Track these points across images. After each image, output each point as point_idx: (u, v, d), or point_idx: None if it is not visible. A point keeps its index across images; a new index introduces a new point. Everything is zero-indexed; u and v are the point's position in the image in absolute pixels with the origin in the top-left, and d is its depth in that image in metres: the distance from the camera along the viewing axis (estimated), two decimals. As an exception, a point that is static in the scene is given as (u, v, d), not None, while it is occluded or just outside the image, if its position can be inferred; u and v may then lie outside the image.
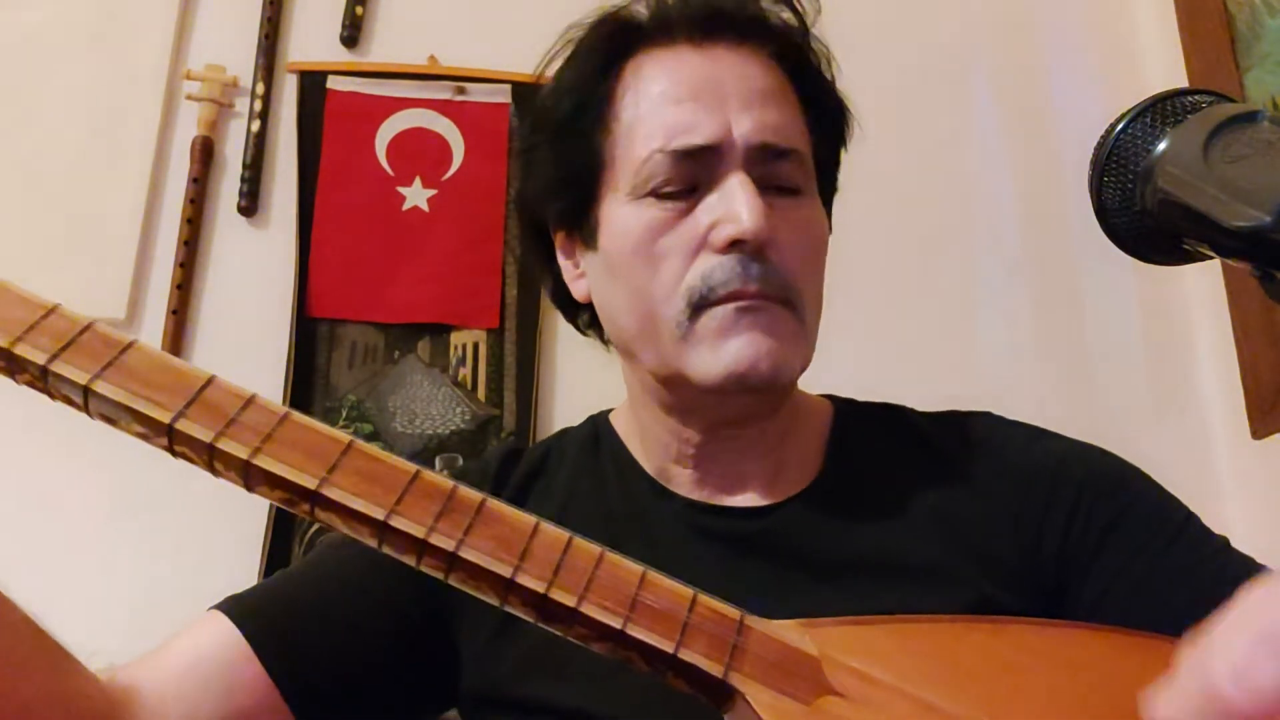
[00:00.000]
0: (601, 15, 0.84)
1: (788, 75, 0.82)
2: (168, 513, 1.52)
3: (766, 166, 0.76)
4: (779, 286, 0.75)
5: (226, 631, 0.73)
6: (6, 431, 1.49)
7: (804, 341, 0.78)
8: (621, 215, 0.77)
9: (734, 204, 0.74)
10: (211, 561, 1.50)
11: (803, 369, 0.79)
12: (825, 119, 0.85)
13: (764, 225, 0.73)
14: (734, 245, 0.74)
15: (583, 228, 0.81)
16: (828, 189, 0.87)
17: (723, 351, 0.74)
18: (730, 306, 0.74)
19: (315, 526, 1.54)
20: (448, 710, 0.84)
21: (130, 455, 1.47)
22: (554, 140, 0.82)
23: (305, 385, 1.60)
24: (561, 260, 0.86)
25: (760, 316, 0.74)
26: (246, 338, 1.61)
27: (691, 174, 0.76)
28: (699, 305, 0.74)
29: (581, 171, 0.80)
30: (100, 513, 1.52)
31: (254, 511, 1.52)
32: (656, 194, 0.76)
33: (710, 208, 0.75)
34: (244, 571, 1.48)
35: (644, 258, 0.76)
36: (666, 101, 0.77)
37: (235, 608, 0.75)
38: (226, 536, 1.51)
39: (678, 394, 0.79)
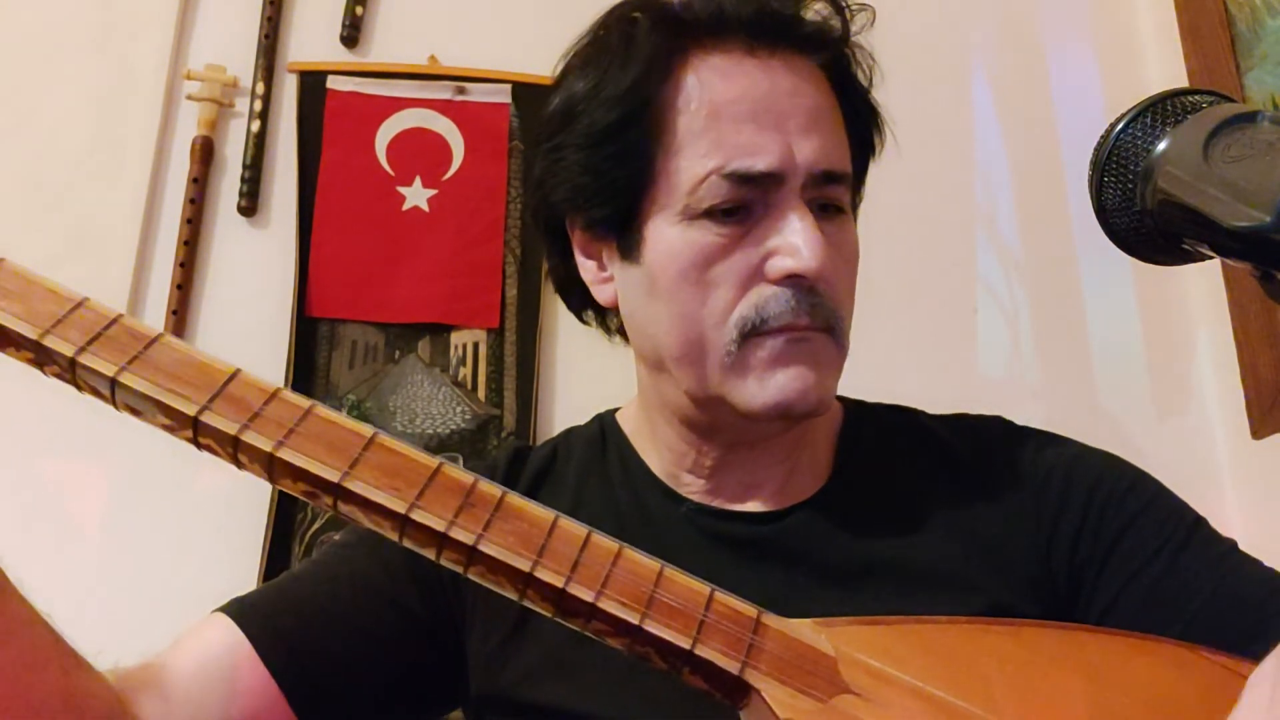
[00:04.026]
0: (645, 6, 0.79)
1: (834, 86, 0.80)
2: (168, 513, 1.52)
3: (820, 190, 0.76)
4: (826, 316, 0.75)
5: (230, 634, 0.73)
6: (8, 431, 1.49)
7: (841, 365, 0.78)
8: (671, 235, 0.75)
9: (794, 237, 0.73)
10: (211, 562, 1.50)
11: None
12: (864, 131, 0.84)
13: (825, 262, 0.73)
14: (790, 277, 0.73)
15: (620, 239, 0.79)
16: (856, 199, 0.86)
17: (770, 383, 0.74)
18: (781, 338, 0.74)
19: (315, 527, 1.54)
20: (451, 711, 0.84)
21: (131, 455, 1.48)
22: (592, 147, 0.77)
23: (305, 385, 1.59)
24: (581, 259, 0.84)
25: (808, 348, 0.75)
26: (246, 338, 1.61)
27: (748, 198, 0.74)
28: (749, 334, 0.74)
29: (625, 184, 0.77)
30: (101, 513, 1.52)
31: (254, 512, 1.51)
32: (710, 216, 0.74)
33: (768, 237, 0.74)
34: (244, 572, 1.48)
35: (694, 283, 0.75)
36: (725, 119, 0.74)
37: (239, 610, 0.75)
38: (226, 537, 1.51)
39: (710, 414, 0.79)
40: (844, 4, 0.80)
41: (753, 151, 0.73)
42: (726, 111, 0.75)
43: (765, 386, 0.74)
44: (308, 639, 0.74)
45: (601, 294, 0.83)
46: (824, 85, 0.79)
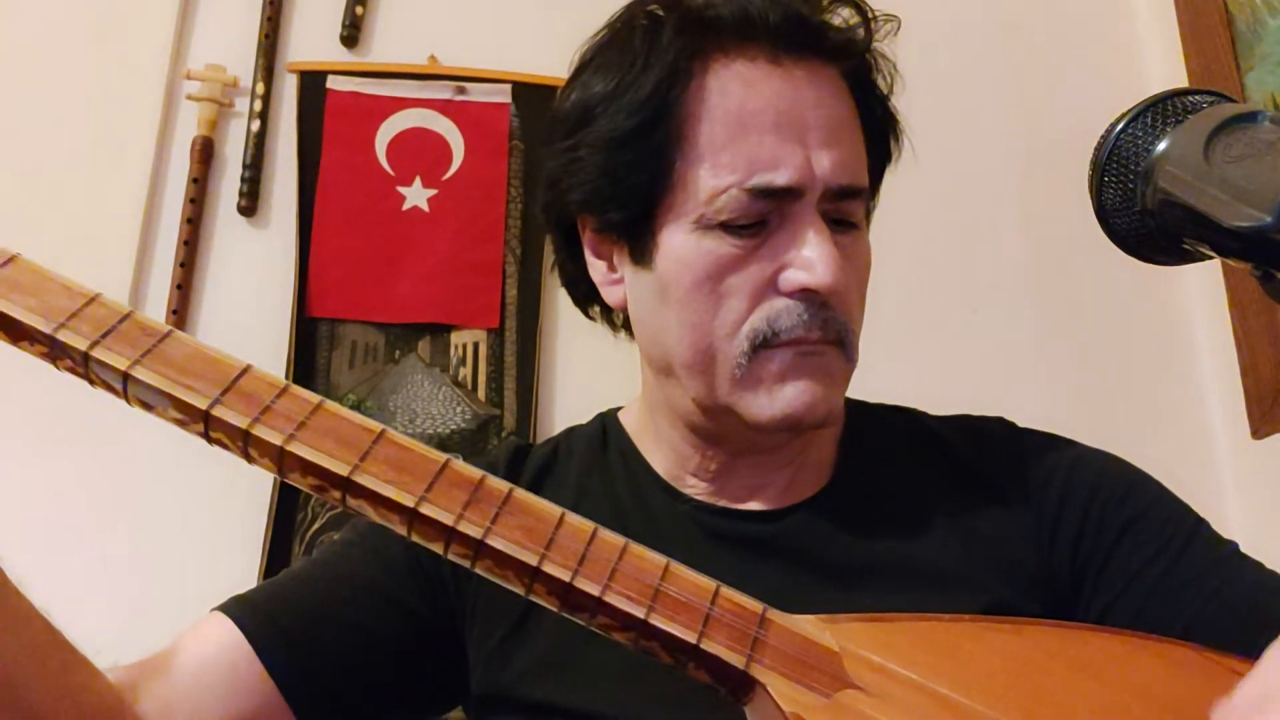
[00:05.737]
0: (668, 4, 0.77)
1: (853, 94, 0.79)
2: (168, 512, 1.52)
3: (836, 204, 0.76)
4: (837, 329, 0.75)
5: (229, 633, 0.73)
6: (7, 431, 1.49)
7: (849, 376, 0.79)
8: (685, 244, 0.75)
9: (810, 252, 0.73)
10: (212, 561, 1.50)
11: None
12: (882, 139, 0.83)
13: (839, 277, 0.73)
14: (803, 291, 0.73)
15: (633, 242, 0.79)
16: (870, 206, 0.86)
17: (779, 396, 0.74)
18: (791, 351, 0.74)
19: (315, 527, 1.54)
20: (451, 710, 0.84)
21: (131, 454, 1.48)
22: (610, 150, 0.76)
23: (305, 385, 1.56)
24: (591, 259, 0.83)
25: (818, 361, 0.75)
26: (246, 338, 1.61)
27: (765, 210, 0.74)
28: (760, 346, 0.74)
29: (642, 190, 0.76)
30: (101, 512, 1.52)
31: (254, 511, 1.52)
32: (726, 227, 0.74)
33: (782, 250, 0.74)
34: (244, 571, 1.48)
35: (707, 293, 0.74)
36: (746, 130, 0.74)
37: (239, 608, 0.75)
38: (227, 536, 1.51)
39: (717, 423, 0.79)
40: (870, 14, 0.79)
41: (773, 165, 0.73)
42: (750, 123, 0.74)
43: (774, 399, 0.74)
44: (306, 638, 0.74)
45: (610, 295, 0.83)
46: (844, 94, 0.78)
